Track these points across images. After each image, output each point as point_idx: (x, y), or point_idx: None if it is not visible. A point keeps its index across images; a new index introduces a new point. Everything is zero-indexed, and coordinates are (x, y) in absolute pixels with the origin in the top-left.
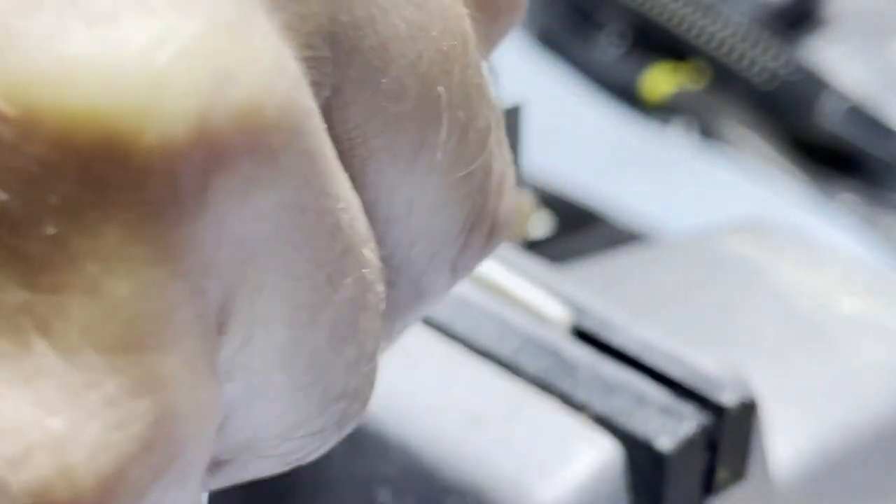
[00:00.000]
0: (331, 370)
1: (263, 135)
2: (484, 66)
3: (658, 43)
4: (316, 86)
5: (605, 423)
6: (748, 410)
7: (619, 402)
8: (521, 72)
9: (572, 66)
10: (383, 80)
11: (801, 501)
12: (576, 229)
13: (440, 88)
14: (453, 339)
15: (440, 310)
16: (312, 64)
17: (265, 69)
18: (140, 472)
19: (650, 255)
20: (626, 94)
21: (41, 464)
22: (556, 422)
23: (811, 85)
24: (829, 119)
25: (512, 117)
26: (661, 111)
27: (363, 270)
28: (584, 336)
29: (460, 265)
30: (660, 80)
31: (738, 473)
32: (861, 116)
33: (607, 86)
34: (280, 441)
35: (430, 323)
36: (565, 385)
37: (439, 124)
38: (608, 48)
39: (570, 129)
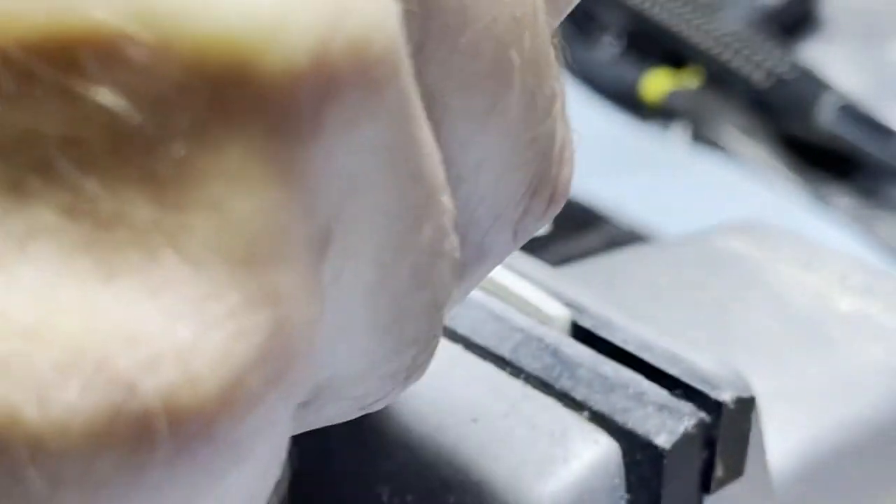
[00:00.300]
0: (408, 313)
1: (372, 68)
2: (551, 36)
3: (657, 45)
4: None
5: (604, 420)
6: (746, 407)
7: (618, 399)
8: None
9: (572, 67)
10: (461, 40)
11: (798, 499)
12: (576, 229)
13: (513, 53)
14: (452, 337)
15: None
16: (404, 17)
17: (377, 6)
18: (257, 382)
19: (647, 254)
20: (626, 96)
21: (168, 370)
22: (554, 419)
23: (808, 86)
24: (826, 120)
25: None
26: (660, 113)
27: (442, 218)
28: (582, 334)
29: (521, 229)
30: (659, 83)
31: (736, 470)
32: (858, 118)
33: (607, 87)
34: (357, 382)
35: None
36: (564, 383)
37: (510, 87)
38: (608, 50)
39: None
